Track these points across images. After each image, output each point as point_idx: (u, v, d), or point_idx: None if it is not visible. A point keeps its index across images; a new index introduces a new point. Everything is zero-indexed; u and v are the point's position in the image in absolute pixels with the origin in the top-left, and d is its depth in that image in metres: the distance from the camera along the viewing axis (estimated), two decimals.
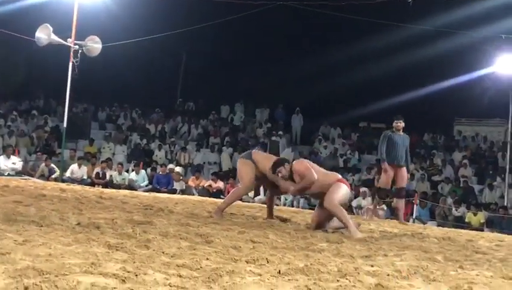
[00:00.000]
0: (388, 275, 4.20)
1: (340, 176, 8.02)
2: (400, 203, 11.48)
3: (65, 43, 17.26)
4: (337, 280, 3.79)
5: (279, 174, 7.92)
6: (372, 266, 4.65)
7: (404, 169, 11.20)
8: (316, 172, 7.75)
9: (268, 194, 9.01)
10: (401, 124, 11.26)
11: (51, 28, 16.62)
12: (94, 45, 17.59)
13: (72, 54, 17.26)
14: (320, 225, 7.70)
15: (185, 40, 25.87)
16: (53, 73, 21.29)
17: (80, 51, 17.31)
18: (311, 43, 26.43)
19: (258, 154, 8.62)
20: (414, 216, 15.98)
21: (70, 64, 17.29)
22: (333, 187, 7.59)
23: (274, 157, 8.53)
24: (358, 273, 4.14)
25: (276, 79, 27.93)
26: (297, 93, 27.32)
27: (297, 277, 3.79)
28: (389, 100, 24.71)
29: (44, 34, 16.61)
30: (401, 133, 11.28)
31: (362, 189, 17.61)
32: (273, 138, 23.26)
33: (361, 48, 24.65)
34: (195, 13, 22.14)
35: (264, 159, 8.34)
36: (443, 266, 5.00)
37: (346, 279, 3.85)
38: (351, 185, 19.47)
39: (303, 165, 7.84)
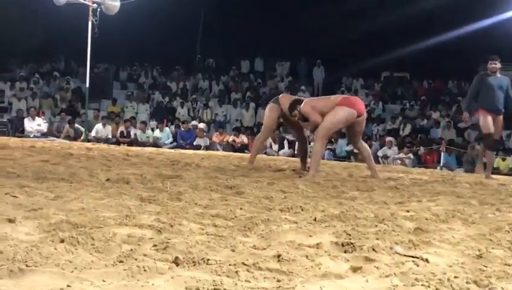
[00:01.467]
0: (426, 219, 4.13)
1: (342, 96, 8.09)
2: (490, 155, 10.02)
3: (83, 1, 17.12)
4: (375, 225, 3.71)
5: (295, 117, 8.04)
6: (408, 211, 4.57)
7: (501, 118, 9.72)
8: (321, 106, 7.81)
9: (298, 146, 9.05)
10: (497, 65, 9.67)
11: None
12: (112, 3, 17.44)
13: (90, 12, 17.12)
14: (357, 148, 8.38)
15: None
16: (72, 33, 21.19)
17: (98, 10, 17.17)
18: None
19: (284, 97, 8.73)
20: (441, 164, 15.83)
21: (90, 23, 17.17)
22: (328, 115, 7.68)
23: (295, 98, 8.54)
24: (396, 218, 4.07)
25: (295, 31, 27.55)
26: (317, 45, 26.93)
27: (334, 223, 3.72)
28: (411, 48, 24.32)
29: None
30: (498, 75, 9.73)
31: (388, 138, 17.45)
32: (299, 94, 22.96)
33: None
34: None
35: (288, 100, 8.39)
36: (480, 209, 4.92)
37: (384, 224, 3.77)
38: (376, 135, 19.57)
39: (308, 107, 7.87)
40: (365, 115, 8.01)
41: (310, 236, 3.25)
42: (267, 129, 8.80)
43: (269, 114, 8.68)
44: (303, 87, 23.67)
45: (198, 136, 18.11)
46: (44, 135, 17.50)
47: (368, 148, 8.37)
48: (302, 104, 7.95)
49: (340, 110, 7.65)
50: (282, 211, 4.19)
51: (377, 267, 2.53)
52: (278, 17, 27.56)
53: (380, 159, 16.71)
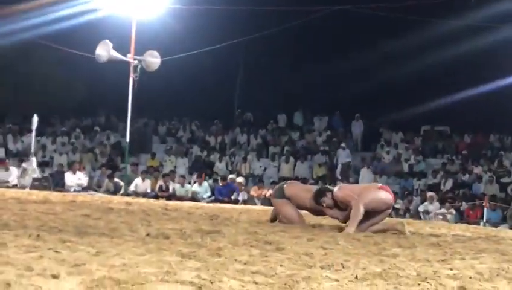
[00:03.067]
0: (470, 277, 4.04)
1: (380, 185, 8.31)
2: None
3: (125, 58, 17.53)
4: (418, 284, 3.65)
5: (324, 204, 7.95)
6: (451, 269, 4.49)
7: None
8: (358, 189, 7.93)
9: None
10: None
11: (111, 44, 16.91)
12: (153, 60, 17.84)
13: (131, 69, 17.51)
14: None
15: (241, 50, 25.97)
16: (113, 89, 21.68)
17: (139, 66, 17.56)
18: (368, 47, 26.02)
19: (290, 187, 8.44)
20: (485, 219, 15.53)
21: (131, 79, 17.54)
22: (369, 191, 7.78)
23: (310, 188, 8.51)
24: (439, 276, 3.99)
25: (334, 85, 27.71)
26: (356, 99, 27.00)
27: (376, 282, 3.66)
28: (451, 101, 24.19)
29: (104, 51, 16.92)
30: None
31: (429, 194, 17.20)
32: (339, 151, 22.53)
33: (420, 46, 24.27)
34: (251, 23, 22.28)
35: (300, 192, 8.33)
36: None
37: (427, 282, 3.70)
38: (417, 190, 19.35)
39: (345, 192, 7.84)
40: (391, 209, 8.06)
41: None
42: (299, 225, 8.08)
43: (285, 212, 8.27)
44: (343, 144, 23.33)
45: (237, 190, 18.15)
46: (84, 189, 17.73)
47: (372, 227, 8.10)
48: (337, 190, 7.92)
49: (382, 191, 7.81)
50: (323, 268, 4.15)
51: None
52: (316, 70, 27.76)
53: (421, 214, 16.47)
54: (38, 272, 3.29)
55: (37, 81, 25.65)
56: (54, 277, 3.19)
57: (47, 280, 3.11)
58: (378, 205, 7.74)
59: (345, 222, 7.84)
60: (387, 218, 8.49)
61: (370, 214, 7.80)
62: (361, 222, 7.80)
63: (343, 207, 7.83)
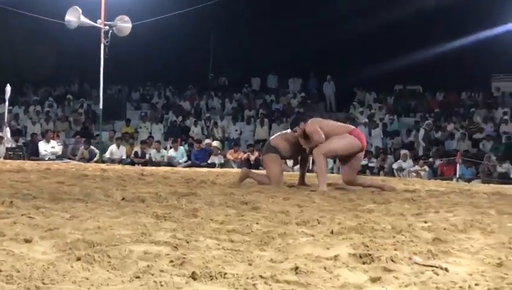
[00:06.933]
0: (444, 229, 4.09)
1: (352, 128, 8.28)
2: None
3: (95, 24, 17.28)
4: (393, 236, 3.67)
5: (296, 133, 8.05)
6: (425, 222, 4.53)
7: None
8: (329, 128, 7.90)
9: (300, 162, 8.94)
10: None
11: (80, 10, 16.64)
12: (124, 25, 17.61)
13: (102, 35, 17.27)
14: (349, 182, 7.97)
15: (212, 13, 25.68)
16: (85, 56, 21.37)
17: (110, 32, 17.32)
18: (338, 9, 25.86)
19: (274, 138, 8.65)
20: (458, 175, 15.73)
21: (102, 45, 17.31)
22: (333, 137, 7.78)
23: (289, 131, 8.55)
24: (414, 229, 4.03)
25: (306, 47, 27.59)
26: (327, 60, 26.93)
27: (351, 236, 3.68)
28: (423, 60, 24.26)
29: (73, 17, 16.66)
30: None
31: (402, 151, 17.36)
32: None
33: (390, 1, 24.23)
34: None
35: (283, 136, 8.50)
36: (498, 219, 4.87)
37: (402, 235, 3.73)
38: (390, 148, 19.49)
39: (313, 126, 7.89)
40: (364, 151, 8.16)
41: (328, 248, 3.22)
42: (275, 184, 8.08)
43: (270, 167, 8.37)
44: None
45: (213, 154, 18.14)
46: (59, 157, 17.60)
47: (366, 177, 8.19)
48: (307, 122, 7.97)
49: (348, 137, 7.83)
50: (298, 225, 4.17)
51: (396, 278, 2.50)
52: (288, 33, 27.59)
53: (395, 171, 16.63)
54: (11, 237, 3.26)
55: (7, 50, 25.17)
56: (27, 241, 3.16)
57: (19, 245, 3.08)
58: (343, 151, 7.85)
59: (311, 151, 8.05)
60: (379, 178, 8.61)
61: (344, 157, 7.98)
62: (343, 163, 8.03)
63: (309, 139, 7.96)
